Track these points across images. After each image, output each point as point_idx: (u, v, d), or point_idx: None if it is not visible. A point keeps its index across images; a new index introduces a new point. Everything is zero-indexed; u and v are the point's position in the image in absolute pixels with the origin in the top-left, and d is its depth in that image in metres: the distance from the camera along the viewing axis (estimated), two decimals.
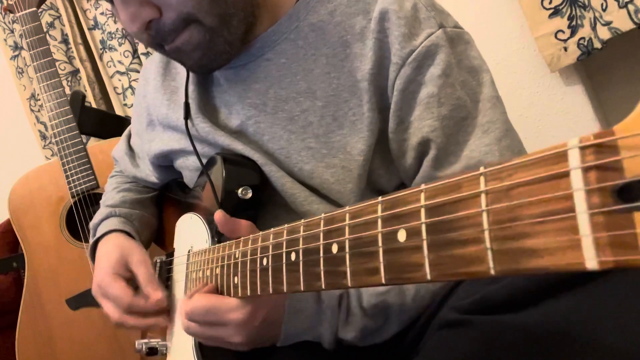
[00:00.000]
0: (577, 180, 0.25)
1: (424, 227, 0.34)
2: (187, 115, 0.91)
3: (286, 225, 0.55)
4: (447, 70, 0.77)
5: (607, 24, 1.30)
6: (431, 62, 0.77)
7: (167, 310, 0.95)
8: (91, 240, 1.06)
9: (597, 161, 0.24)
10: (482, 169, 0.30)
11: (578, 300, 0.52)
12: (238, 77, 0.89)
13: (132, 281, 0.96)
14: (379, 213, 0.38)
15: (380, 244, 0.38)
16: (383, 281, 0.37)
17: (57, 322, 1.63)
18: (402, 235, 0.35)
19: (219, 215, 0.72)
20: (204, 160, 0.91)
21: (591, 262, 0.25)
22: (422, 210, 0.34)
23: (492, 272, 0.29)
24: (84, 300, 1.61)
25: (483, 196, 0.30)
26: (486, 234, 0.29)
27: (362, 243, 0.40)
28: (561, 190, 0.26)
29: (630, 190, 0.23)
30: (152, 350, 0.97)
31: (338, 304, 0.75)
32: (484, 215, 0.29)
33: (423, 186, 0.34)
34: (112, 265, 0.95)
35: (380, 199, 0.39)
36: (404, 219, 0.35)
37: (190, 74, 0.94)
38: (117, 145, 1.22)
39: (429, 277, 0.33)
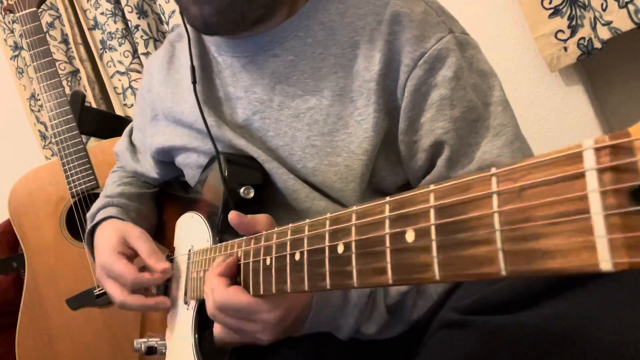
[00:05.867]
0: (592, 181, 0.25)
1: (433, 228, 0.33)
2: (194, 79, 0.91)
3: (290, 225, 0.55)
4: (459, 73, 0.78)
5: (607, 24, 1.30)
6: (442, 65, 0.78)
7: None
8: (88, 227, 1.05)
9: (613, 162, 0.24)
10: (493, 170, 0.30)
11: (578, 301, 0.52)
12: (245, 71, 0.89)
13: (134, 260, 0.96)
14: (387, 213, 0.38)
15: (387, 244, 0.38)
16: (390, 281, 0.37)
17: (57, 322, 1.63)
18: (410, 236, 0.35)
19: (232, 216, 0.71)
20: (207, 158, 0.92)
21: (606, 263, 0.25)
22: (432, 211, 0.34)
23: (504, 272, 0.29)
24: (84, 300, 1.61)
25: (495, 197, 0.30)
26: (497, 235, 0.29)
27: (369, 243, 0.40)
28: (576, 192, 0.26)
29: None
30: (151, 349, 0.96)
31: (366, 301, 0.74)
32: (496, 216, 0.29)
33: (432, 187, 0.34)
34: (113, 245, 0.95)
35: (388, 199, 0.39)
36: (413, 220, 0.35)
37: (193, 55, 0.94)
38: (118, 141, 1.22)
39: (437, 277, 0.33)
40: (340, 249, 0.44)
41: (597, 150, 0.25)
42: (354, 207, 0.43)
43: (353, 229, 0.43)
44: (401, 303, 0.77)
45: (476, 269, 0.30)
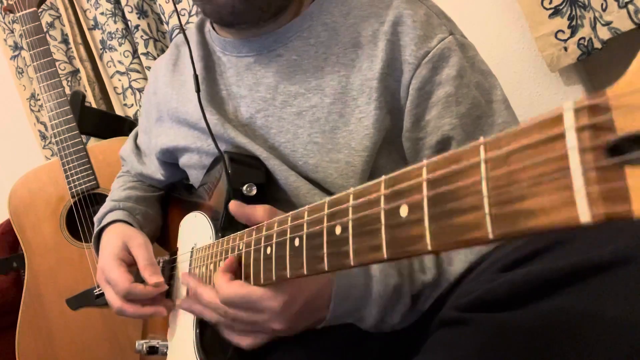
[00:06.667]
0: (571, 140, 0.26)
1: (425, 200, 0.35)
2: (198, 87, 0.92)
3: (291, 213, 0.56)
4: (462, 72, 0.81)
5: (607, 24, 1.31)
6: (446, 64, 0.80)
7: (169, 301, 0.95)
8: (95, 231, 1.06)
9: (590, 121, 0.25)
10: (481, 139, 0.31)
11: (577, 297, 0.53)
12: (249, 70, 0.91)
13: (135, 267, 0.96)
14: (382, 191, 0.39)
15: (382, 220, 0.39)
16: (385, 257, 0.38)
17: (57, 322, 1.63)
18: (404, 210, 0.37)
19: (233, 205, 0.72)
20: (210, 159, 0.93)
21: (584, 216, 0.26)
22: (424, 184, 0.35)
23: (491, 236, 0.30)
24: (84, 300, 1.61)
25: (483, 165, 0.31)
26: (485, 201, 0.30)
27: (365, 222, 0.41)
28: (557, 151, 0.27)
29: (622, 146, 0.24)
30: (153, 349, 0.97)
31: (392, 291, 0.74)
32: (484, 182, 0.30)
33: (425, 161, 0.36)
34: (115, 251, 0.96)
35: (383, 177, 0.40)
36: (407, 194, 0.37)
37: (195, 55, 0.95)
38: (124, 145, 1.23)
39: (429, 247, 0.34)
40: (338, 230, 0.45)
41: (577, 111, 0.26)
42: (351, 189, 0.44)
43: (350, 209, 0.44)
44: (422, 294, 0.77)
45: (465, 235, 0.31)
